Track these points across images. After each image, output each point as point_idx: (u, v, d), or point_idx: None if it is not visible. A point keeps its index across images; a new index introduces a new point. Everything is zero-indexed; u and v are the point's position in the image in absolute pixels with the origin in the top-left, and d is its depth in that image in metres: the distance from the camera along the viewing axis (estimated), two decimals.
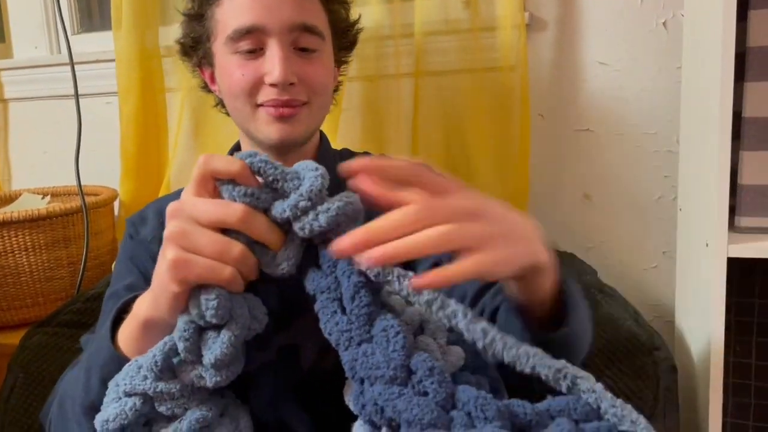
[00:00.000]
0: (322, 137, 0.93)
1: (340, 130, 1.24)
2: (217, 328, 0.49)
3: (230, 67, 0.80)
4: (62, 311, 1.02)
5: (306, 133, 0.83)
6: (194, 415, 0.50)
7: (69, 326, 0.99)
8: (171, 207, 0.51)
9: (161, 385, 0.50)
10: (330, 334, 0.46)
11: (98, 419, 0.50)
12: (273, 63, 0.77)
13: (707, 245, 0.81)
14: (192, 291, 0.49)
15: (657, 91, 1.13)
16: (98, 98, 1.45)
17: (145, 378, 0.50)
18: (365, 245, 0.46)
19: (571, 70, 1.17)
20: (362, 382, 0.45)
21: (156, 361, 0.50)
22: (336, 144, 1.09)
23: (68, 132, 1.49)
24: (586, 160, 1.19)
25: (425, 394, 0.43)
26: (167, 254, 0.49)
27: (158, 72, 1.34)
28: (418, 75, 1.19)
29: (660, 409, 0.80)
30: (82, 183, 1.25)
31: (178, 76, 1.34)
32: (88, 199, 1.21)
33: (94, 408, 0.54)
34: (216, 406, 0.53)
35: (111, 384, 0.51)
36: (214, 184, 0.50)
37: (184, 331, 0.49)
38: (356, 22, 0.93)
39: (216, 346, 0.48)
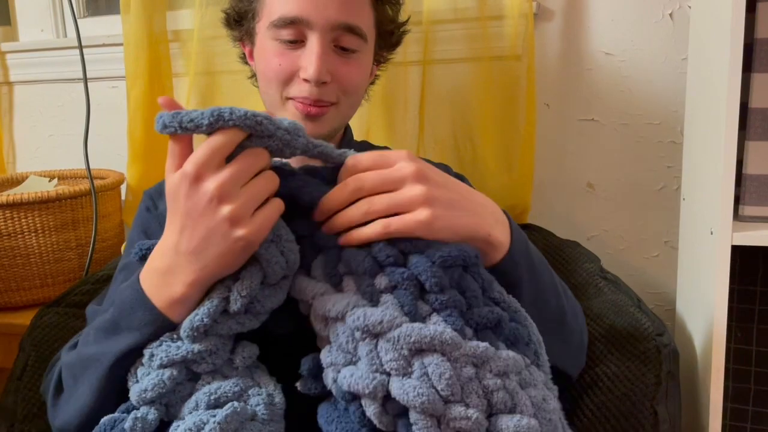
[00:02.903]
0: (346, 128, 0.93)
1: None
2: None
3: (269, 53, 0.80)
4: (72, 292, 1.03)
5: (331, 131, 0.84)
6: (224, 388, 0.52)
7: (79, 307, 0.99)
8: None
9: (197, 347, 0.52)
10: None
11: (135, 390, 0.52)
12: (310, 59, 0.77)
13: (712, 233, 0.83)
14: None
15: (661, 82, 1.14)
16: (103, 82, 1.45)
17: (179, 347, 0.52)
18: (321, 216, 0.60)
19: (577, 60, 1.18)
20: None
21: (194, 326, 0.52)
22: None
23: (73, 115, 1.49)
24: (590, 149, 1.20)
25: None
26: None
27: (166, 56, 1.34)
28: (426, 63, 1.20)
29: (662, 392, 0.81)
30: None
31: (186, 60, 1.34)
32: (96, 183, 1.21)
33: (120, 364, 0.56)
34: (244, 379, 0.55)
35: (146, 355, 0.53)
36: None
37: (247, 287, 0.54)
38: (404, 23, 0.92)
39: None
